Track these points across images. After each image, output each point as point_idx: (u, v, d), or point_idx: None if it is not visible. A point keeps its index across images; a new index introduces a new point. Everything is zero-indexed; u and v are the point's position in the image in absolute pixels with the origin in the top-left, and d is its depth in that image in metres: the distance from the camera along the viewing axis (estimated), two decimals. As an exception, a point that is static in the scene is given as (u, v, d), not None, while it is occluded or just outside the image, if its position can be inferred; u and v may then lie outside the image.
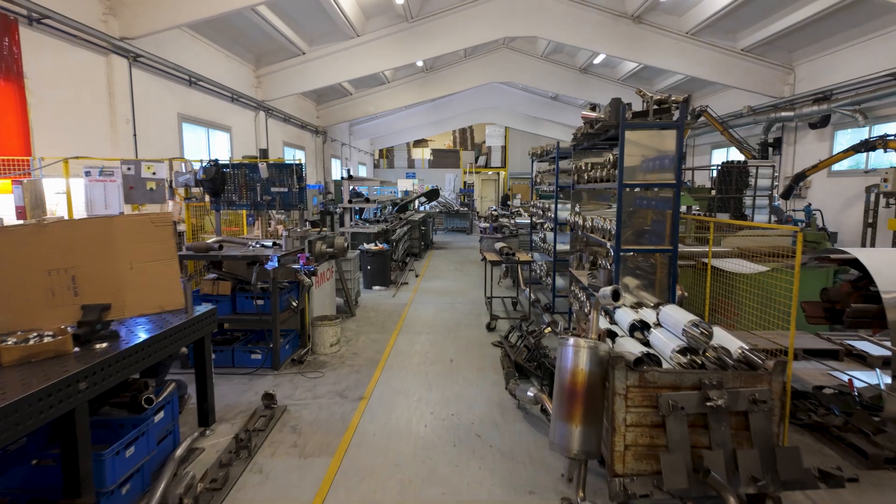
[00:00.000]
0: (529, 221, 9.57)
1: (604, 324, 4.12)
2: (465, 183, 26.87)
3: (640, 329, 3.77)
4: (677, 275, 4.33)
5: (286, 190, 6.35)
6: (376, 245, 9.86)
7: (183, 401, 4.64)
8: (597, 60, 16.64)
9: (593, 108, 5.11)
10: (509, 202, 20.50)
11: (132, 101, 8.62)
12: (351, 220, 11.53)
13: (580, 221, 5.76)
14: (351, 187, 14.83)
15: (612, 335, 3.80)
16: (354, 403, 4.76)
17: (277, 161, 8.12)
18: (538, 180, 8.63)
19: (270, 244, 6.03)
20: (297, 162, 6.40)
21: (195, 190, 6.47)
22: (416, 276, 11.13)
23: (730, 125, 14.19)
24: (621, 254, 4.48)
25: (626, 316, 3.93)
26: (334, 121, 18.59)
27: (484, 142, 28.96)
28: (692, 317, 3.36)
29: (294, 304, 5.89)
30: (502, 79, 18.12)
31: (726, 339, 3.34)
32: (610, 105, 4.38)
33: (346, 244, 7.16)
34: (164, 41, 9.51)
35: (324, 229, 7.73)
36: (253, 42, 12.43)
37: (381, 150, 27.86)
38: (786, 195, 11.36)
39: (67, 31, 7.24)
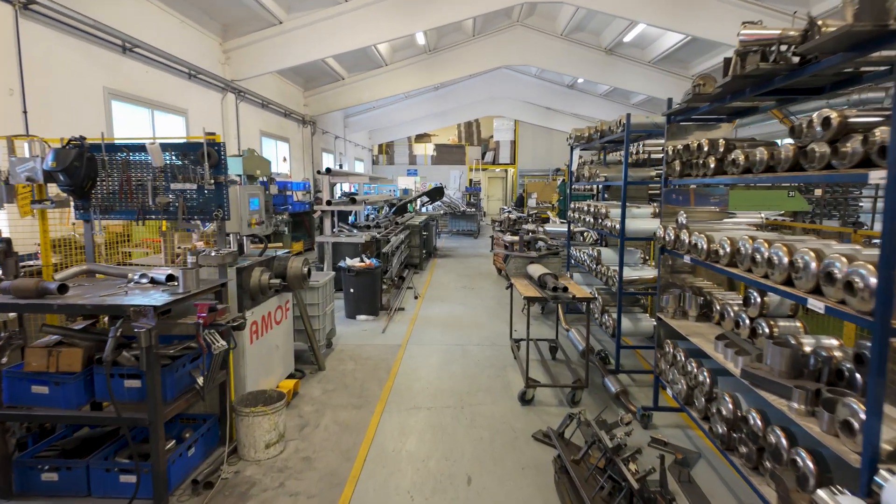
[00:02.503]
0: (566, 230, 7.02)
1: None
2: (471, 181, 24.31)
3: None
4: None
5: (196, 187, 3.82)
6: (362, 260, 7.32)
7: None
8: (627, 38, 14.03)
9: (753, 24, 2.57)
10: (524, 203, 17.97)
11: (20, 64, 6.10)
12: (334, 226, 9.00)
13: (699, 243, 3.21)
14: (334, 185, 12.23)
15: None
16: None
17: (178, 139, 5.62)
18: (586, 174, 6.08)
19: (164, 278, 3.50)
20: (212, 140, 3.88)
21: (55, 190, 3.93)
22: (416, 296, 8.59)
23: (791, 110, 11.63)
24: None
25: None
26: (325, 109, 16.03)
27: (491, 136, 26.35)
28: None
29: (199, 381, 3.37)
30: (515, 61, 15.51)
31: None
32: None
33: (305, 270, 4.65)
34: (81, -10, 6.99)
35: (275, 246, 5.22)
36: (217, 7, 9.90)
37: (380, 146, 25.30)
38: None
39: None
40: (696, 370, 3.33)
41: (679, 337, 3.69)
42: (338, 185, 15.93)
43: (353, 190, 19.36)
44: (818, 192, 6.73)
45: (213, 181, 3.76)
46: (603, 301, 5.40)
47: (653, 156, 5.18)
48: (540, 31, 14.92)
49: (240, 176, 9.87)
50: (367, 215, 12.65)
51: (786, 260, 2.34)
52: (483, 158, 26.22)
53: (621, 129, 4.93)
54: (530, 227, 8.07)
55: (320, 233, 9.95)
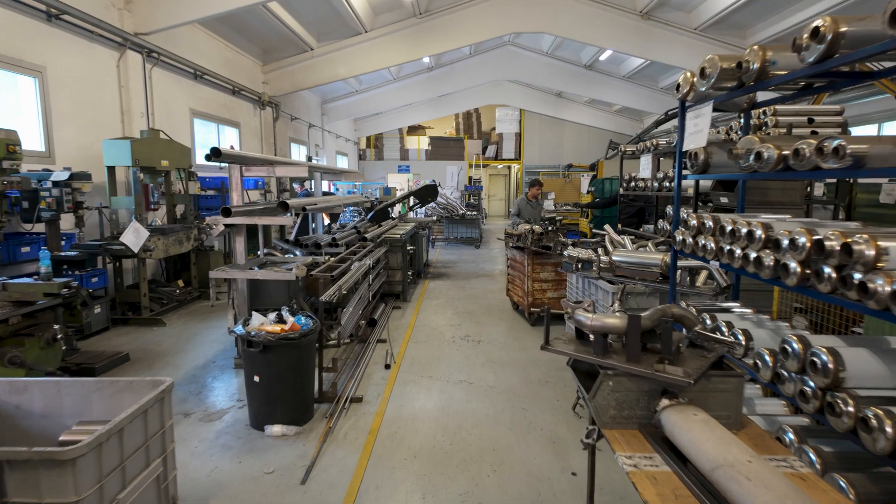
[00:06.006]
0: (666, 264, 3.55)
1: None
2: (470, 178, 20.80)
3: None
4: None
5: None
6: (282, 319, 3.84)
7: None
8: (674, -8, 10.54)
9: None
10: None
11: None
12: (262, 247, 5.53)
13: None
14: (258, 184, 9.17)
15: None
16: None
17: None
18: (770, 155, 2.59)
19: None
20: None
21: None
22: (389, 363, 5.10)
23: None
24: None
25: None
26: (290, 88, 12.50)
27: (493, 128, 22.84)
28: None
29: None
30: (526, 28, 11.98)
31: None
32: None
33: None
34: None
35: None
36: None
37: (367, 138, 21.77)
38: None
39: None
40: None
41: None
42: (309, 183, 12.45)
43: (332, 189, 15.87)
44: None
45: None
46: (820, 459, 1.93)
47: None
48: (559, -11, 11.43)
49: (128, 168, 6.30)
50: (329, 225, 9.18)
51: None
52: (484, 153, 22.72)
53: None
54: (580, 252, 4.59)
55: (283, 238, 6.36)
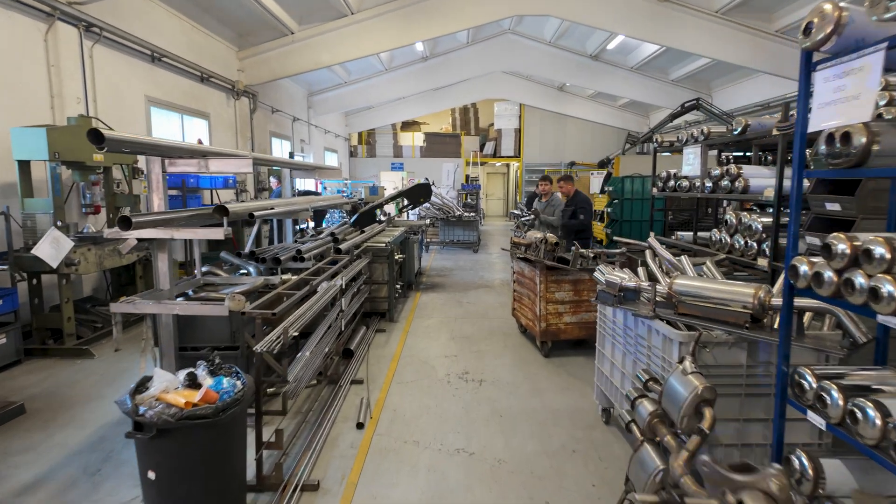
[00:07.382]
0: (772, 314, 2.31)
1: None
2: (467, 177, 19.52)
3: None
4: None
5: None
6: (194, 382, 2.57)
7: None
8: (698, -33, 9.29)
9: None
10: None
11: None
12: (199, 266, 4.27)
13: None
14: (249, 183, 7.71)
15: None
16: None
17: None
18: None
19: None
20: None
21: None
22: (361, 421, 3.83)
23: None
24: None
25: None
26: (268, 76, 11.18)
27: (492, 124, 21.56)
28: None
29: None
30: (531, 10, 10.74)
31: None
32: None
33: None
34: None
35: None
36: None
37: (359, 135, 20.44)
38: None
39: None
40: None
41: None
42: (291, 180, 11.15)
43: (320, 188, 14.53)
44: None
45: None
46: None
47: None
48: (567, -34, 10.18)
49: (45, 162, 5.02)
50: (302, 231, 7.89)
51: None
52: (482, 150, 21.43)
53: None
54: (622, 276, 3.34)
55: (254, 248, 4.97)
